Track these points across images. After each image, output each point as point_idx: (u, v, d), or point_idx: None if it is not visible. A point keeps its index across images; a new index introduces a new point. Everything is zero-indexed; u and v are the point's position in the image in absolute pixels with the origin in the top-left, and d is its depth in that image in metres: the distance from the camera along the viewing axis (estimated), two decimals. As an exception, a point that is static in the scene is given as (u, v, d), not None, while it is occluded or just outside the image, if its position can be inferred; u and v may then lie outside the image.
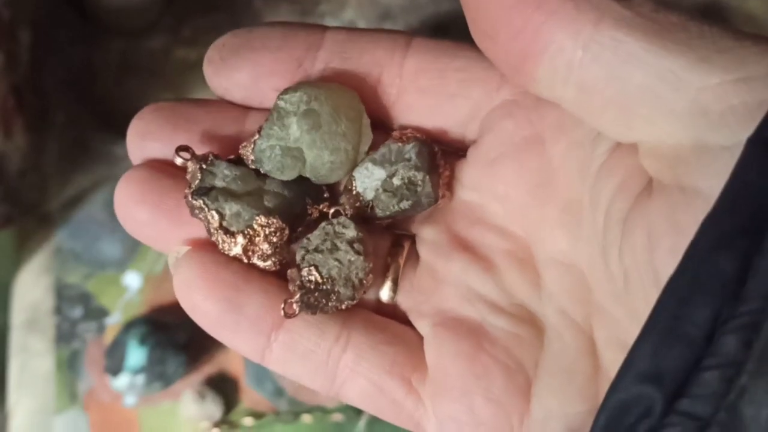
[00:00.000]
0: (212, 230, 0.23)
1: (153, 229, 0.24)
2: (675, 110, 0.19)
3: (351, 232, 0.24)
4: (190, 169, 0.23)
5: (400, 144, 0.24)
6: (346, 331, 0.24)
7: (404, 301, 0.25)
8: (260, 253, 0.23)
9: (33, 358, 0.55)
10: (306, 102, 0.23)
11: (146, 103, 0.70)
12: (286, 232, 0.23)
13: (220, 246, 0.23)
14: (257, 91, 0.24)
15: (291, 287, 0.23)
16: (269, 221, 0.23)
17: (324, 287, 0.23)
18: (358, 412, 0.52)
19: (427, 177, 0.24)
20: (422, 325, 0.25)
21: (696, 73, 0.18)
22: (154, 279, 0.56)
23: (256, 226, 0.23)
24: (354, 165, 0.24)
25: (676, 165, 0.19)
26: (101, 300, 0.56)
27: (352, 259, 0.23)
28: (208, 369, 0.53)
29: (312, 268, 0.23)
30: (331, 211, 0.25)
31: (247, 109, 0.25)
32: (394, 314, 0.25)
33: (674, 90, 0.18)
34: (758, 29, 0.61)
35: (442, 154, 0.25)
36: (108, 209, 0.58)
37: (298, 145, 0.23)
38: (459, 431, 0.23)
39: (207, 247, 0.23)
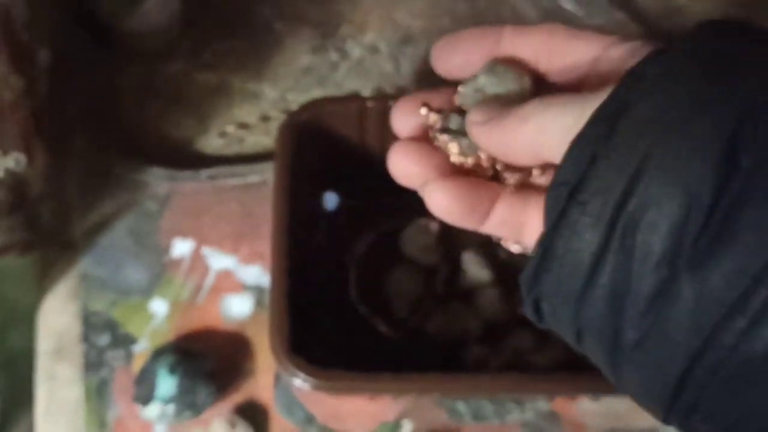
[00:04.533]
0: (453, 155, 0.33)
1: (418, 176, 0.33)
2: None
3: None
4: (431, 119, 0.33)
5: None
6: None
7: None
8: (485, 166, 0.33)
9: (61, 387, 0.54)
10: (489, 67, 0.33)
11: (167, 128, 0.70)
12: None
13: (461, 163, 0.33)
14: (467, 70, 0.34)
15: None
16: None
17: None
18: (387, 438, 0.52)
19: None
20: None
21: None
22: (181, 306, 0.56)
23: (480, 153, 0.32)
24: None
25: None
26: (128, 327, 0.55)
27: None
28: (237, 397, 0.53)
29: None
30: None
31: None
32: None
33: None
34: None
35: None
36: (132, 236, 0.58)
37: (484, 85, 0.33)
38: None
39: (452, 174, 0.33)
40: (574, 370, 0.46)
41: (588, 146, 0.27)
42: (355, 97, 0.59)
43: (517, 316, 0.52)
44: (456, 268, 0.55)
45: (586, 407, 0.52)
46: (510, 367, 0.51)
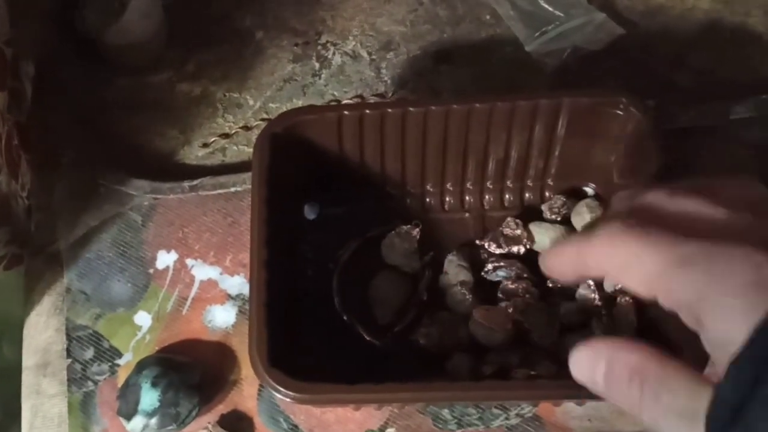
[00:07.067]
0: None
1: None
2: None
3: None
4: None
5: None
6: None
7: None
8: None
9: (46, 402, 0.55)
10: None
11: (152, 139, 0.70)
12: None
13: None
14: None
15: None
16: None
17: None
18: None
19: None
20: None
21: None
22: (165, 317, 0.56)
23: None
24: None
25: None
26: (113, 341, 0.56)
27: None
28: (221, 408, 0.53)
29: None
30: None
31: None
32: None
33: None
34: (762, 47, 0.61)
35: None
36: (116, 248, 0.58)
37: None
38: None
39: None
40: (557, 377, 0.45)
41: (751, 367, 0.27)
42: (332, 106, 0.59)
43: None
44: (439, 273, 0.55)
45: (570, 412, 0.52)
46: (494, 372, 0.51)
